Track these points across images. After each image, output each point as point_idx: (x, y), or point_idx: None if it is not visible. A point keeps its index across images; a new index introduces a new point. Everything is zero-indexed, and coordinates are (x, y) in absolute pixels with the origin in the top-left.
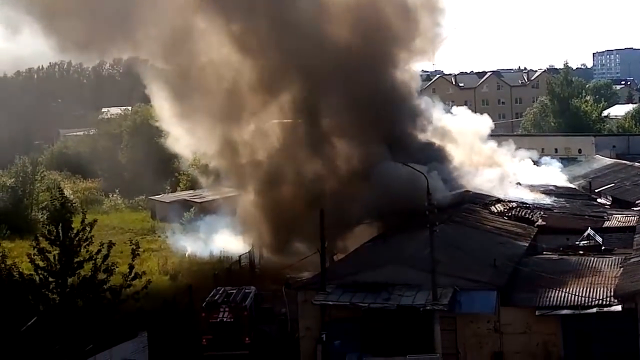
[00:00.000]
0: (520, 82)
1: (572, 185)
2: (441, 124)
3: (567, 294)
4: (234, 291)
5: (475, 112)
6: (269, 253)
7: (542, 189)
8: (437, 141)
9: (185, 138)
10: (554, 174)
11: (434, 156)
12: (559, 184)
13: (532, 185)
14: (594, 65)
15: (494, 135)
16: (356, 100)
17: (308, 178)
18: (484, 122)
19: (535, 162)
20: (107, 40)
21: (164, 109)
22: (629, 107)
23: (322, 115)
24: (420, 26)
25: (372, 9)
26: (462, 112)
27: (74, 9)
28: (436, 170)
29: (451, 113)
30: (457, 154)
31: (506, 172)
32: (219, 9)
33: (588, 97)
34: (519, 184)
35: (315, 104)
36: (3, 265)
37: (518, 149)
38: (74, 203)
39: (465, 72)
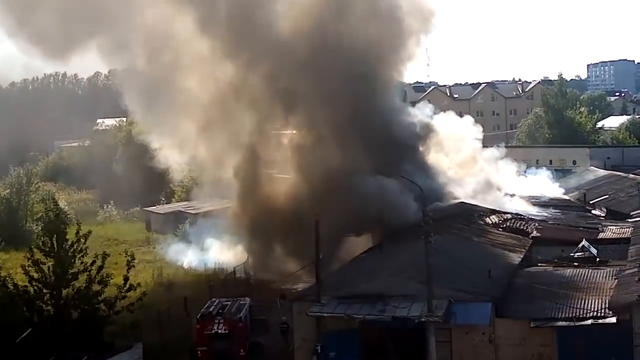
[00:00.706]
0: (514, 93)
1: (566, 197)
2: (425, 121)
3: (562, 306)
4: (229, 303)
5: None
6: (250, 267)
7: (536, 200)
8: (420, 143)
9: (173, 152)
10: (545, 184)
11: (416, 160)
12: (553, 196)
13: (525, 197)
14: (588, 76)
15: (488, 147)
16: (334, 98)
17: (285, 191)
18: (469, 126)
19: (521, 174)
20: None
21: (147, 122)
22: (623, 119)
23: (299, 118)
24: (405, 24)
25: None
26: (447, 116)
27: (48, 11)
28: (418, 176)
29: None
30: (440, 157)
31: (490, 179)
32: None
33: (582, 109)
34: (511, 195)
35: (290, 102)
36: None
37: (504, 157)
38: (69, 214)
39: (460, 84)
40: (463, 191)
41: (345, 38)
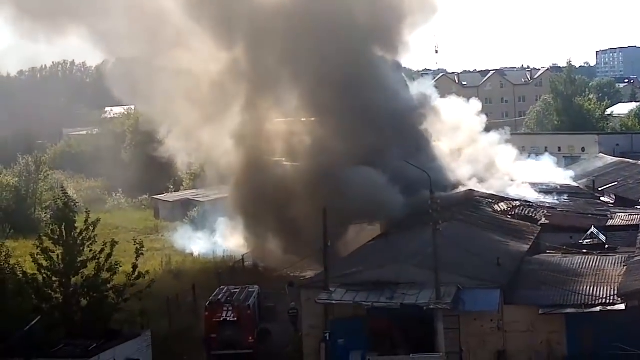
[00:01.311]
0: (523, 80)
1: (575, 184)
2: (424, 96)
3: (570, 293)
4: (238, 290)
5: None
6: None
7: (544, 187)
8: (420, 120)
9: (178, 140)
10: (547, 169)
11: (417, 144)
12: (561, 182)
13: (533, 183)
14: (597, 63)
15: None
16: (324, 82)
17: (276, 179)
18: (471, 110)
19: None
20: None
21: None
22: (632, 106)
23: (289, 103)
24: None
25: None
26: (448, 100)
27: None
28: (419, 161)
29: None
30: (441, 140)
31: (493, 165)
32: None
33: (591, 96)
34: (512, 180)
35: (280, 86)
36: (7, 265)
37: (506, 141)
38: (77, 202)
39: (468, 71)
40: (465, 177)
41: (338, 19)
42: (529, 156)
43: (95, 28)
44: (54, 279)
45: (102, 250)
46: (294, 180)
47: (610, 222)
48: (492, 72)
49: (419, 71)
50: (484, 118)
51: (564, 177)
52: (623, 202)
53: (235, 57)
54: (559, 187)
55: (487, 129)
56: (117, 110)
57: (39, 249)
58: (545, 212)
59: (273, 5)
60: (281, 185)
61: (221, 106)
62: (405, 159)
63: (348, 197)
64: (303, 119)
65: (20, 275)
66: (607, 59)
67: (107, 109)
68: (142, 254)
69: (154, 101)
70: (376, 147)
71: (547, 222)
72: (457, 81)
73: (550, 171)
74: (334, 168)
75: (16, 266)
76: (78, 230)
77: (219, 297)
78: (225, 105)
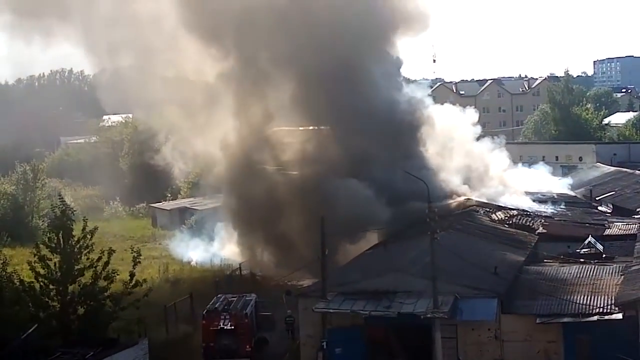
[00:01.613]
0: (521, 90)
1: (572, 193)
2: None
3: (567, 302)
4: (235, 299)
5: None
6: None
7: (542, 196)
8: (416, 129)
9: (175, 148)
10: (541, 178)
11: (409, 151)
12: (559, 192)
13: (530, 192)
14: (594, 73)
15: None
16: (322, 83)
17: (264, 189)
18: (464, 117)
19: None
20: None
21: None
22: (630, 115)
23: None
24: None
25: None
26: (441, 107)
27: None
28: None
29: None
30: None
31: (487, 173)
32: None
33: (589, 105)
34: (504, 186)
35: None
36: (4, 273)
37: (499, 149)
38: (75, 210)
39: (466, 80)
40: (458, 185)
41: (333, 25)
42: (522, 164)
43: (89, 36)
44: (51, 287)
45: (99, 259)
46: (284, 191)
47: (607, 232)
48: (489, 82)
49: (416, 80)
50: (478, 128)
51: (560, 186)
52: (620, 212)
53: (229, 65)
54: (555, 196)
55: (482, 137)
56: (115, 118)
57: (36, 257)
58: (543, 221)
59: (266, 11)
60: (271, 195)
61: (215, 114)
62: (397, 167)
63: (334, 211)
64: (299, 128)
65: (18, 284)
66: (604, 69)
67: (105, 117)
68: (140, 262)
69: (150, 110)
70: (368, 155)
71: (544, 231)
72: (454, 90)
73: (545, 180)
74: (322, 179)
75: (13, 274)
76: (75, 239)
77: (216, 306)
78: (219, 113)
